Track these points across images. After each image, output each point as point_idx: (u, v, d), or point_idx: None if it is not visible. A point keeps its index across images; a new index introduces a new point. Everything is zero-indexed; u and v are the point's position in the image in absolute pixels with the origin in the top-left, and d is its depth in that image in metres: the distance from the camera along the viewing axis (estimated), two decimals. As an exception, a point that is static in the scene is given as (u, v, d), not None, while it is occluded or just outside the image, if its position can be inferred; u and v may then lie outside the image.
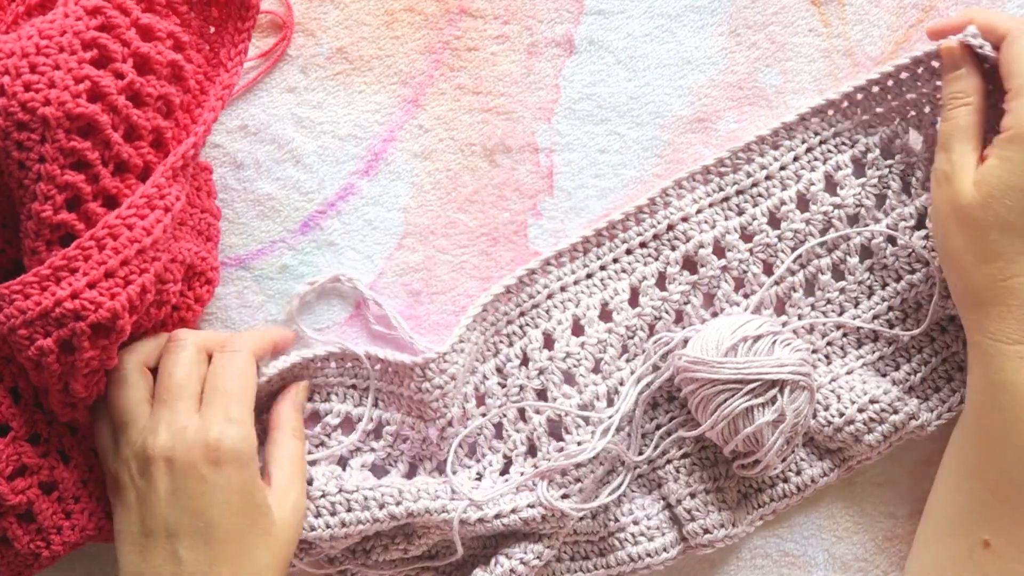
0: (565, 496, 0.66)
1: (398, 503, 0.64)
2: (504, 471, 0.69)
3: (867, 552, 0.72)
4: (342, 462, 0.69)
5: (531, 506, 0.66)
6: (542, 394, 0.68)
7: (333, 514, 0.64)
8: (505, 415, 0.69)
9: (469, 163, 0.71)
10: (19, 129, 0.57)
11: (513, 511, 0.66)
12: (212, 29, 0.66)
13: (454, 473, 0.67)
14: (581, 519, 0.68)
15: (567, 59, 0.71)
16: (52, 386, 0.59)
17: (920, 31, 0.71)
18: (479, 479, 0.68)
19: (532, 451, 0.68)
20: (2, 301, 0.58)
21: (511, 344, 0.69)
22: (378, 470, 0.69)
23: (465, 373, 0.68)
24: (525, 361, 0.69)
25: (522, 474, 0.67)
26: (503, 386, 0.69)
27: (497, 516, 0.66)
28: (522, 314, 0.70)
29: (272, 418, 0.66)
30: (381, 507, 0.64)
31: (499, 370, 0.69)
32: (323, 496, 0.64)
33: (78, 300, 0.57)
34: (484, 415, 0.69)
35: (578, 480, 0.66)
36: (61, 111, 0.57)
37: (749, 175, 0.70)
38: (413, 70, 0.71)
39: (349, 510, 0.64)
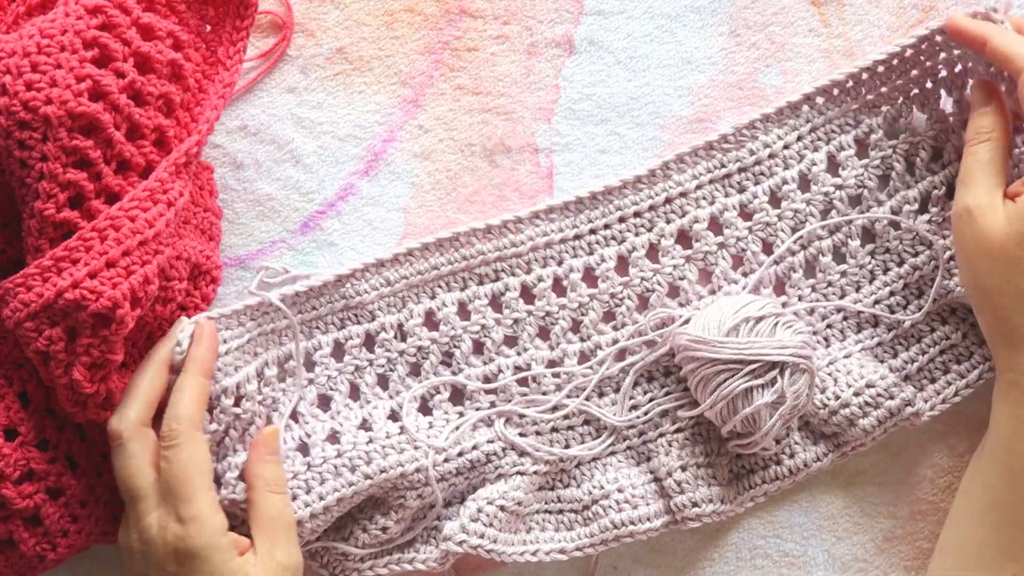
0: (522, 435, 0.67)
1: (368, 462, 0.65)
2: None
3: (867, 552, 0.72)
4: (294, 413, 0.67)
5: (490, 441, 0.68)
6: (512, 341, 0.68)
7: (308, 491, 0.64)
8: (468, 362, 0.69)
9: (469, 163, 0.71)
10: (21, 128, 0.57)
11: (474, 447, 0.67)
12: (208, 28, 0.67)
13: (417, 430, 0.67)
14: (566, 486, 0.69)
15: (567, 59, 0.71)
16: (59, 383, 0.59)
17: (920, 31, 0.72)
18: (430, 428, 0.68)
19: (493, 404, 0.69)
20: (7, 296, 0.58)
21: (481, 283, 0.68)
22: (323, 401, 0.68)
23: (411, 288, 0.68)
24: (495, 304, 0.68)
25: (478, 409, 0.68)
26: (464, 321, 0.68)
27: (460, 454, 0.67)
28: (500, 259, 0.68)
29: (246, 477, 0.64)
30: (352, 470, 0.64)
31: (462, 305, 0.68)
32: (294, 477, 0.64)
33: (79, 289, 0.57)
34: (434, 341, 0.68)
35: (535, 423, 0.68)
36: (63, 110, 0.57)
37: (752, 152, 0.69)
38: (413, 70, 0.71)
39: (322, 482, 0.64)
